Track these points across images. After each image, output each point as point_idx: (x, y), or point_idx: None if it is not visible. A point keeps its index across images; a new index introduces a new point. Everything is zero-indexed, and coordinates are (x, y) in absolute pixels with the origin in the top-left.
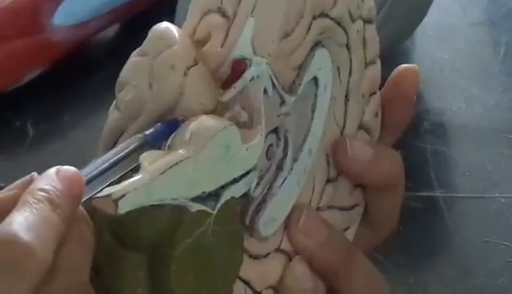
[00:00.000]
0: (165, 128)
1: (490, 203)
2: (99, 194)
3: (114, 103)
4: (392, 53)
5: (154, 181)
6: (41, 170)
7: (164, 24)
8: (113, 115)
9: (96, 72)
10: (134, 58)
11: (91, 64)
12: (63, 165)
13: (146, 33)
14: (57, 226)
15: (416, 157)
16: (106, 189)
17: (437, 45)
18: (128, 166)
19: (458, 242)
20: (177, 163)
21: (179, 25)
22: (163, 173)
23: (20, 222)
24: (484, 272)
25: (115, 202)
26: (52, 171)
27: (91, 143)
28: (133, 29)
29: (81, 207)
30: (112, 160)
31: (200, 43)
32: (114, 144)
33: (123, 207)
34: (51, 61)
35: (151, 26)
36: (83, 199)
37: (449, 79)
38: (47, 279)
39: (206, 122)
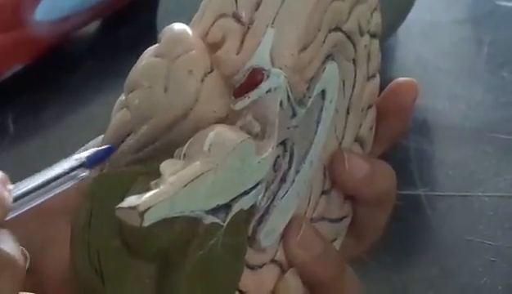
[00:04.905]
0: (103, 154)
1: (473, 202)
2: (123, 204)
3: (120, 100)
4: None
5: (177, 194)
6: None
7: (180, 26)
8: (121, 114)
9: (77, 68)
10: (149, 59)
11: (72, 59)
12: (44, 161)
13: (127, 30)
14: None
15: (399, 155)
16: (129, 198)
17: (421, 43)
18: (63, 185)
19: (441, 241)
20: (198, 176)
21: (161, 21)
22: (185, 186)
23: None
24: (467, 271)
25: (141, 214)
26: None
27: (71, 139)
28: (114, 26)
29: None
30: (49, 177)
31: (213, 47)
32: (122, 142)
33: (148, 220)
34: (32, 57)
35: (132, 22)
36: (12, 215)
37: (432, 77)
38: None
39: (225, 133)
